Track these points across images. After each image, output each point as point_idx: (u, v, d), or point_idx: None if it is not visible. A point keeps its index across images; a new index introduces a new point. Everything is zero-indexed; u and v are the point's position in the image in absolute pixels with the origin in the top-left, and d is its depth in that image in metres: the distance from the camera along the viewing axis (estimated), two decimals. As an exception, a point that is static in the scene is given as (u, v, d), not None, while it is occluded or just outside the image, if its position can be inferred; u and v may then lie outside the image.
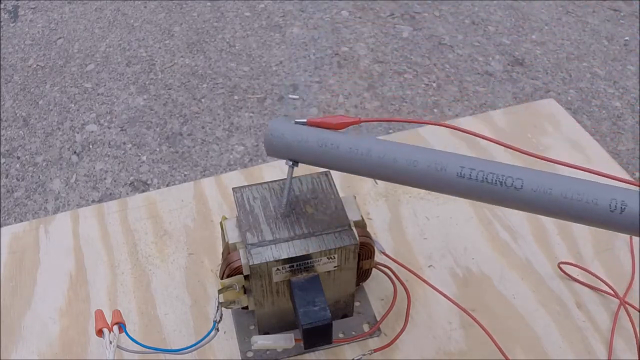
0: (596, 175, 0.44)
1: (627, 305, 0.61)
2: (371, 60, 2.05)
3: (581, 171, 0.45)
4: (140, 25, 2.24)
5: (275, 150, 0.51)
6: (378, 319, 0.60)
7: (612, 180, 0.44)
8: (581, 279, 0.64)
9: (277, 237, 0.53)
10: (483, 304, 0.62)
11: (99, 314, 0.54)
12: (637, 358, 0.57)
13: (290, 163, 0.51)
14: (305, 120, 0.50)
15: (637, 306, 0.61)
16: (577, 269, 0.64)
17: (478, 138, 0.49)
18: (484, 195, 0.45)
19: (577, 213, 0.42)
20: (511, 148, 0.49)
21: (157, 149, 1.76)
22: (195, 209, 0.72)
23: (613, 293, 0.62)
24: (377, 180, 0.75)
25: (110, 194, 1.64)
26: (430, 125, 0.83)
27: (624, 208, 0.40)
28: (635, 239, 0.67)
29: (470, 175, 0.44)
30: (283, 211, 0.54)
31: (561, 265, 0.64)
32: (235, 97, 1.92)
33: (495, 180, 0.44)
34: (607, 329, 0.59)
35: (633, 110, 1.86)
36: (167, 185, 1.64)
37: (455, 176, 0.45)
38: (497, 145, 0.49)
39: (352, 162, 0.48)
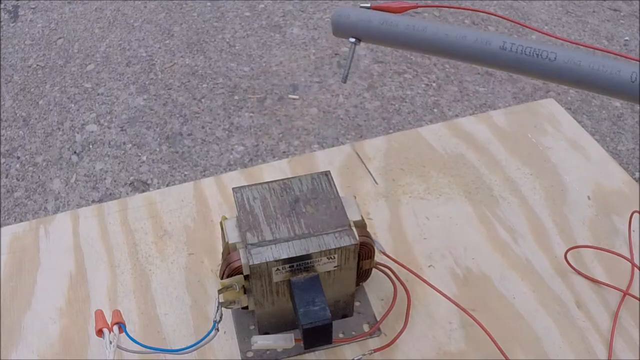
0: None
1: (624, 306, 0.61)
2: (371, 60, 2.05)
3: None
4: (140, 25, 2.24)
5: (341, 29, 0.56)
6: (378, 319, 0.60)
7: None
8: (585, 273, 0.64)
9: (277, 237, 0.53)
10: (483, 304, 0.62)
11: (99, 314, 0.54)
12: (637, 358, 0.58)
13: (354, 40, 0.56)
14: (369, 4, 0.56)
15: (638, 305, 0.61)
16: (579, 265, 0.64)
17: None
18: (522, 66, 0.50)
19: (602, 82, 0.48)
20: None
21: (157, 149, 1.76)
22: (195, 209, 0.72)
23: (616, 284, 0.62)
24: (377, 180, 0.75)
25: (110, 194, 1.64)
26: (430, 125, 0.83)
27: None
28: (634, 239, 0.67)
29: (511, 48, 0.50)
30: (344, 80, 0.59)
31: (567, 255, 0.65)
32: (235, 97, 1.92)
33: (533, 53, 0.50)
34: (607, 329, 0.59)
35: (633, 110, 1.86)
36: (167, 185, 1.64)
37: (498, 48, 0.50)
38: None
39: (410, 37, 0.54)
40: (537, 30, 0.59)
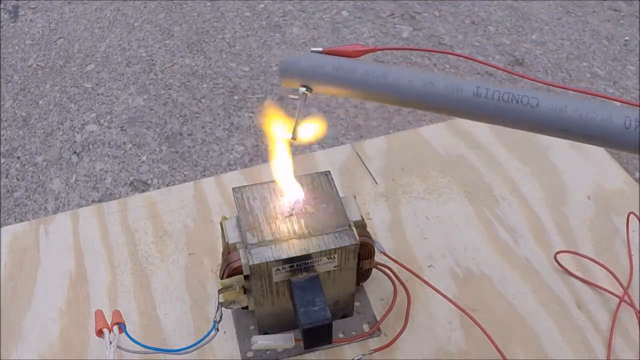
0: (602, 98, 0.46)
1: (627, 299, 0.61)
2: (371, 60, 2.04)
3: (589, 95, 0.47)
4: (140, 25, 2.24)
5: (289, 77, 0.51)
6: (378, 319, 0.60)
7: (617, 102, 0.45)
8: (579, 275, 0.64)
9: (277, 237, 0.53)
10: (483, 304, 0.62)
11: (99, 314, 0.54)
12: (637, 358, 0.57)
13: (304, 89, 0.51)
14: (321, 49, 0.51)
15: (637, 305, 0.61)
16: (575, 264, 0.64)
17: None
18: (500, 115, 0.44)
19: (592, 131, 0.42)
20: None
21: (157, 149, 1.76)
22: (195, 209, 0.72)
23: (613, 288, 0.62)
24: (377, 180, 0.75)
25: (110, 194, 1.64)
26: (430, 125, 0.83)
27: (638, 125, 0.41)
28: (633, 238, 0.67)
29: (486, 94, 0.44)
30: (292, 136, 0.53)
31: (557, 257, 0.64)
32: (235, 97, 1.92)
33: (512, 99, 0.43)
34: (607, 329, 0.59)
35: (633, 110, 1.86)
36: (167, 185, 1.64)
37: (471, 95, 0.44)
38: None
39: (369, 85, 0.48)
40: (531, 79, 0.55)
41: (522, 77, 0.50)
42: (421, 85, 0.46)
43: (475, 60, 0.50)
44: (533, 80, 0.49)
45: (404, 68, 0.48)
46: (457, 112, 0.46)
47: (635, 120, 0.41)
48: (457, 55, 0.53)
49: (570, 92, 0.47)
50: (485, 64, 0.51)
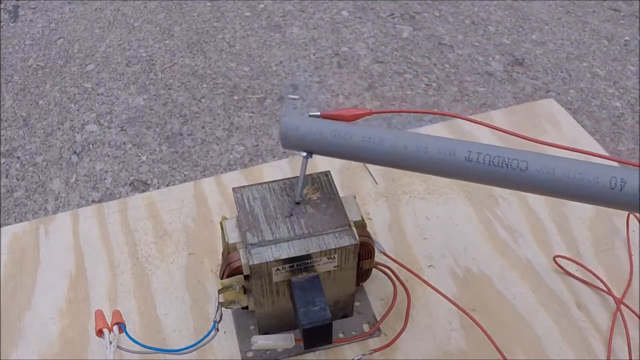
0: (591, 156, 0.47)
1: (624, 306, 0.61)
2: (371, 60, 2.04)
3: (576, 153, 0.48)
4: (140, 25, 2.24)
5: (290, 143, 0.53)
6: (378, 319, 0.60)
7: (607, 161, 0.47)
8: (579, 276, 0.64)
9: (277, 237, 0.53)
10: (483, 304, 0.62)
11: (99, 314, 0.54)
12: (637, 358, 0.58)
13: (305, 154, 0.53)
14: (318, 113, 0.53)
15: (636, 306, 0.61)
16: (574, 265, 0.64)
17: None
18: (491, 178, 0.47)
19: (579, 191, 0.44)
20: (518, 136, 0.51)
21: (157, 149, 1.76)
22: (195, 209, 0.72)
23: (610, 292, 0.62)
24: (377, 180, 0.75)
25: (110, 194, 1.64)
26: (430, 125, 0.83)
27: (624, 185, 0.42)
28: (633, 238, 0.67)
29: (477, 159, 0.46)
30: (298, 200, 0.55)
31: (557, 259, 0.64)
32: (235, 97, 1.92)
33: (502, 163, 0.46)
34: (607, 329, 0.59)
35: (633, 110, 1.86)
36: (167, 185, 1.64)
37: (463, 160, 0.47)
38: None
39: (365, 151, 0.50)
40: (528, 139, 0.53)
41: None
42: (415, 150, 0.48)
43: (464, 119, 0.53)
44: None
45: (400, 132, 0.50)
46: (451, 175, 0.49)
47: (621, 181, 0.42)
48: (448, 115, 0.56)
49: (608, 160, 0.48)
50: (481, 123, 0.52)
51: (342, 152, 0.51)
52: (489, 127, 0.52)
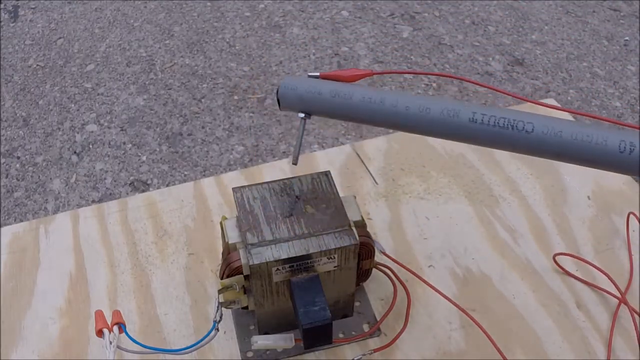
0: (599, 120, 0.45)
1: (626, 304, 0.61)
2: (371, 60, 2.04)
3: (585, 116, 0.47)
4: (140, 25, 2.24)
5: (288, 103, 0.51)
6: (378, 319, 0.60)
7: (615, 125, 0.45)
8: (579, 276, 0.64)
9: (277, 237, 0.53)
10: (483, 304, 0.62)
11: (99, 314, 0.54)
12: (637, 358, 0.57)
13: (303, 115, 0.51)
14: (318, 74, 0.51)
15: (637, 306, 0.61)
16: (574, 264, 0.64)
17: None
18: (496, 140, 0.45)
19: (586, 155, 0.42)
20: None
21: (157, 149, 1.76)
22: (195, 209, 0.72)
23: (611, 291, 0.62)
24: (377, 180, 0.75)
25: (110, 194, 1.64)
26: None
27: (633, 149, 0.41)
28: (633, 238, 0.67)
29: (482, 120, 0.44)
30: (294, 162, 0.53)
31: (556, 258, 0.64)
32: (235, 97, 1.92)
33: (507, 124, 0.44)
34: (607, 329, 0.59)
35: (633, 110, 1.86)
36: (167, 185, 1.64)
37: (467, 121, 0.45)
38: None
39: (365, 111, 0.48)
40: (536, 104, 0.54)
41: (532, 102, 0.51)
42: (417, 111, 0.46)
43: (464, 80, 0.50)
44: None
45: (401, 93, 0.48)
46: (454, 137, 0.47)
47: (630, 145, 0.41)
48: (448, 76, 0.53)
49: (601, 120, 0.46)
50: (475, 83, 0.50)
51: (341, 113, 0.50)
52: (491, 88, 0.50)
